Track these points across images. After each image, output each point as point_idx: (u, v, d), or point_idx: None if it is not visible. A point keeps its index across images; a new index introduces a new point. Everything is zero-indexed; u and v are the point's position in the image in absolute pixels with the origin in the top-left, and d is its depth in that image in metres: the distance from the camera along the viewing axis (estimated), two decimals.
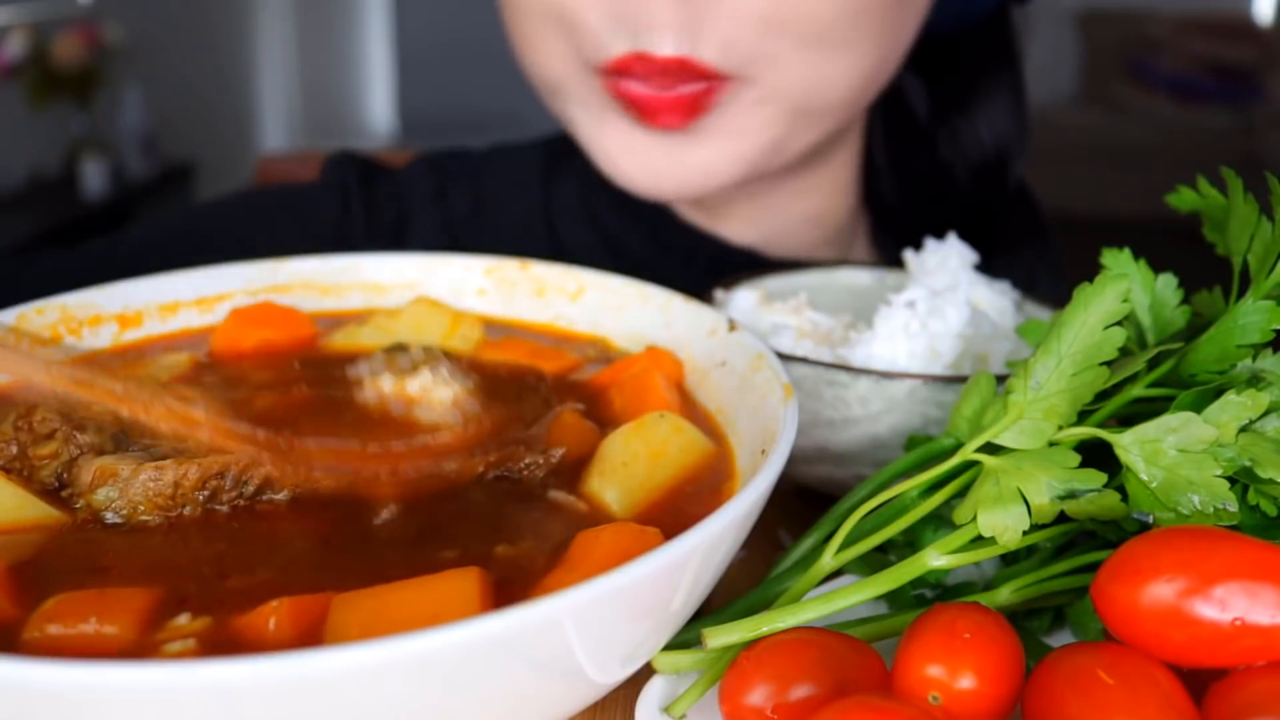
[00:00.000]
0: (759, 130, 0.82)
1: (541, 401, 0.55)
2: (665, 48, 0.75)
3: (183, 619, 0.42)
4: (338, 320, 0.72)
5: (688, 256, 0.93)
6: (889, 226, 1.01)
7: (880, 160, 0.99)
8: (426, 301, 0.71)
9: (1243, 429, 0.46)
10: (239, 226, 0.96)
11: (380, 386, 0.53)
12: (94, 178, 3.91)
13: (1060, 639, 0.50)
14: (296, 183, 1.03)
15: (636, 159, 0.82)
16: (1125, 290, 0.50)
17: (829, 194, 0.97)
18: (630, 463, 0.53)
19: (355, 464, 0.50)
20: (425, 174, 1.01)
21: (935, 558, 0.48)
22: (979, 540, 0.48)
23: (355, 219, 0.98)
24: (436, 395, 0.52)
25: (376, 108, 6.30)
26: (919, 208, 0.99)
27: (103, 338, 0.67)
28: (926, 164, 0.99)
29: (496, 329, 0.72)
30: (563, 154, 0.99)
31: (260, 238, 0.92)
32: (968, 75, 0.99)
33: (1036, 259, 0.98)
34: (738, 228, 0.95)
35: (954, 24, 0.95)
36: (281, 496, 0.51)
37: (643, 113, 0.79)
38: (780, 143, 0.83)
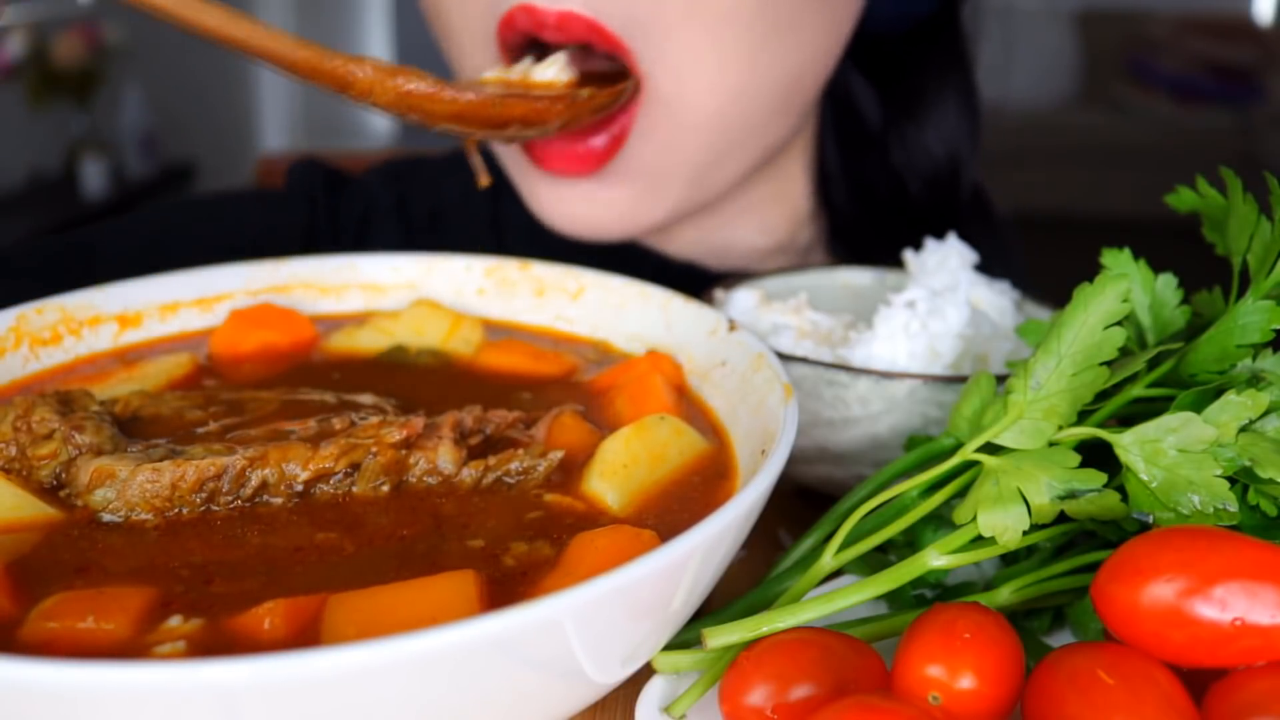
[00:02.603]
0: (676, 166, 0.79)
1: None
2: (559, 1, 0.72)
3: (175, 620, 0.42)
4: (338, 322, 0.72)
5: (633, 271, 0.92)
6: (843, 233, 1.00)
7: (833, 167, 0.98)
8: (427, 304, 0.71)
9: (1243, 429, 0.46)
10: (211, 228, 0.96)
11: (509, 74, 0.73)
12: (94, 178, 3.92)
13: (1060, 639, 0.50)
14: (265, 189, 1.04)
15: (553, 203, 0.81)
16: (1125, 290, 0.50)
17: (779, 204, 0.95)
18: (630, 464, 0.53)
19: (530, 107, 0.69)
20: (386, 183, 1.02)
21: (935, 558, 0.48)
22: (979, 540, 0.48)
23: (320, 226, 0.99)
24: (556, 78, 0.72)
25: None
26: (873, 214, 0.98)
27: (102, 338, 0.67)
28: (879, 170, 0.98)
29: (497, 331, 0.72)
30: None
31: (231, 241, 0.93)
32: (916, 80, 0.97)
33: (992, 264, 0.97)
34: (687, 239, 0.94)
35: (893, 23, 0.93)
36: (278, 500, 0.51)
37: (543, 162, 0.77)
38: (700, 174, 0.81)
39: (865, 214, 0.98)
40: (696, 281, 0.91)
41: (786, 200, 0.96)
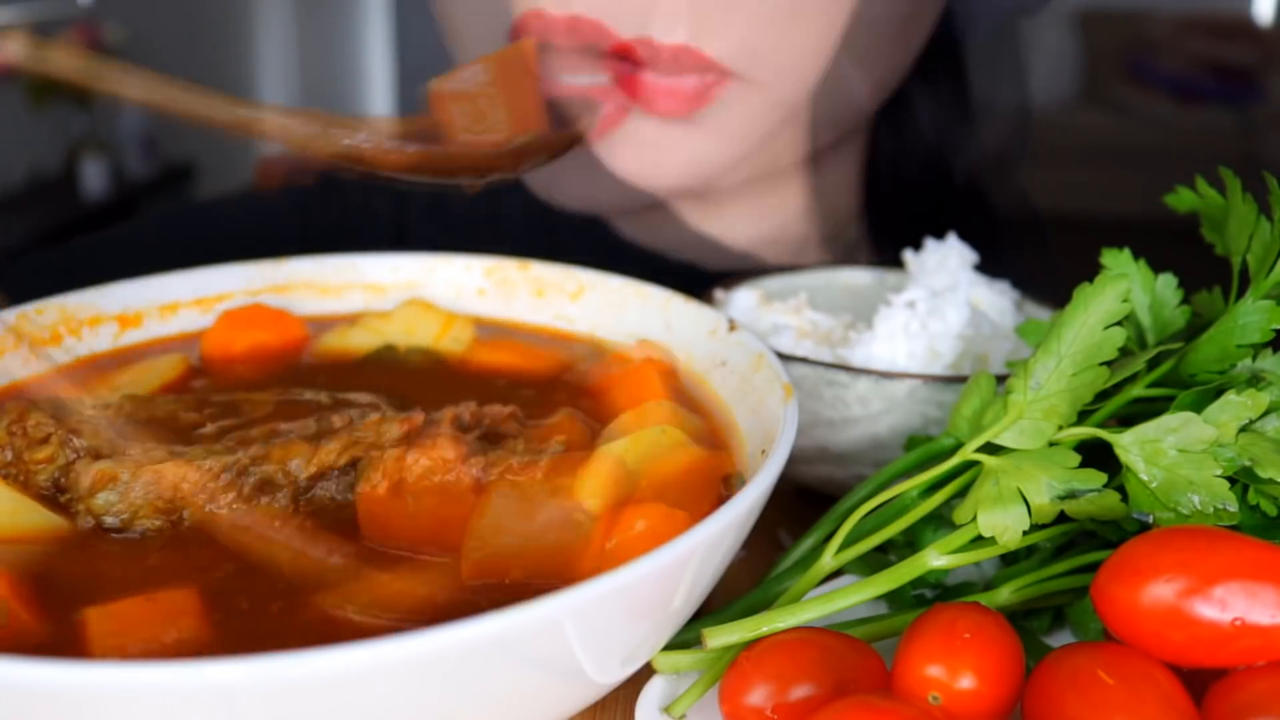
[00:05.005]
0: (754, 129, 0.82)
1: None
2: (672, 35, 0.76)
3: None
4: (331, 322, 0.71)
5: (632, 273, 0.94)
6: (887, 228, 1.02)
7: (881, 163, 1.00)
8: (418, 303, 0.71)
9: (1243, 429, 0.46)
10: (206, 234, 0.98)
11: None
12: (94, 178, 3.91)
13: (1060, 639, 0.50)
14: (260, 193, 1.06)
15: (631, 149, 0.82)
16: (1125, 290, 0.50)
17: (826, 193, 0.97)
18: (630, 465, 0.53)
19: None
20: (379, 186, 1.03)
21: (935, 558, 0.48)
22: (979, 540, 0.48)
23: (314, 226, 1.00)
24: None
25: (376, 108, 6.29)
26: (917, 211, 1.00)
27: (102, 338, 0.67)
28: (927, 168, 1.00)
29: (489, 329, 0.71)
30: None
31: (225, 246, 0.95)
32: (971, 83, 1.00)
33: (1032, 265, 0.99)
34: (738, 222, 0.95)
35: (964, 30, 0.97)
36: (280, 499, 0.51)
37: (640, 98, 0.78)
38: (765, 140, 0.84)
39: (910, 210, 1.00)
40: (695, 282, 0.91)
41: (835, 189, 0.99)
